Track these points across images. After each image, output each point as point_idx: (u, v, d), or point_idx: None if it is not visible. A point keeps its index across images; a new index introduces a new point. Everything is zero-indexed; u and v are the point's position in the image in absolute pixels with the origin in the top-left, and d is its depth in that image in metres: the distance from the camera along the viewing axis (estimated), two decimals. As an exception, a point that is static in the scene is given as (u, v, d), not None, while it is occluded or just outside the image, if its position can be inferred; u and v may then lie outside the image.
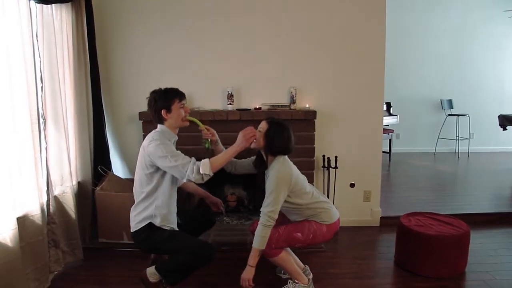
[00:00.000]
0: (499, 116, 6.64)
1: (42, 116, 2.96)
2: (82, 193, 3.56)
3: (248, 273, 2.62)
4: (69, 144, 3.28)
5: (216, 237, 3.73)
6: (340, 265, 3.41)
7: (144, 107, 3.84)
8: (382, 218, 4.27)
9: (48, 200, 3.00)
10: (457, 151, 8.03)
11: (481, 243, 3.70)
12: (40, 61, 2.94)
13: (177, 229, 2.76)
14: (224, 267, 3.29)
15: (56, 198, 3.11)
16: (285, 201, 2.66)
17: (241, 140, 2.60)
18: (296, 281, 2.80)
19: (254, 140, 2.64)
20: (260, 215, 2.62)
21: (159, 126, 2.70)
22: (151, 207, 2.63)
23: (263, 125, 2.72)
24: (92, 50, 3.67)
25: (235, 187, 4.47)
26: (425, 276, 3.10)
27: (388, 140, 7.42)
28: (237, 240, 3.70)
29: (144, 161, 2.61)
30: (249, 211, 4.31)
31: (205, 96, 4.00)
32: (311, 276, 2.90)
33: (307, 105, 3.96)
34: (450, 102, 8.09)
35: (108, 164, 3.91)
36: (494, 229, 4.14)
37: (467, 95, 8.14)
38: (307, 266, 2.99)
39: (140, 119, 3.77)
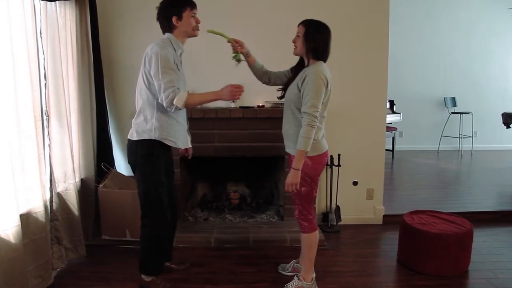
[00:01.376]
0: (502, 114, 6.62)
1: (45, 113, 2.95)
2: (85, 190, 3.56)
3: (295, 177, 2.51)
4: (72, 141, 3.28)
5: (218, 235, 3.73)
6: (342, 263, 3.41)
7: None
8: (385, 216, 4.26)
9: (51, 197, 2.99)
10: (460, 149, 8.00)
11: (484, 242, 3.69)
12: (44, 58, 2.93)
13: (185, 147, 2.78)
14: (227, 264, 3.30)
15: (59, 195, 3.11)
16: (298, 109, 2.57)
17: (225, 91, 2.53)
18: (301, 278, 2.80)
19: (238, 98, 2.62)
20: (303, 116, 2.49)
21: (166, 34, 2.63)
22: (152, 120, 2.58)
23: (299, 29, 2.62)
24: (96, 47, 3.68)
25: (238, 184, 4.47)
26: (428, 274, 3.09)
27: (391, 138, 7.41)
28: (240, 238, 3.70)
29: (143, 67, 2.55)
30: (252, 208, 4.31)
31: (208, 93, 4.00)
32: (314, 275, 2.89)
33: (310, 103, 3.96)
34: (453, 100, 8.07)
35: (111, 161, 3.92)
36: (498, 227, 4.13)
37: (471, 93, 8.12)
38: (312, 264, 2.99)
39: (143, 116, 3.77)
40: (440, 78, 8.11)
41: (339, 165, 4.02)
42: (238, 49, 2.81)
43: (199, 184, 4.51)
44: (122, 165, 4.11)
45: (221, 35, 2.74)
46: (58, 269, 3.07)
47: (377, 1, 3.97)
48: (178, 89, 2.46)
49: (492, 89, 8.15)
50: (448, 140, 8.08)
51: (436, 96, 8.13)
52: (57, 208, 3.04)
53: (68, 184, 3.21)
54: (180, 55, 2.68)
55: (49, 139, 3.01)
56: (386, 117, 4.24)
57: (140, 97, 2.63)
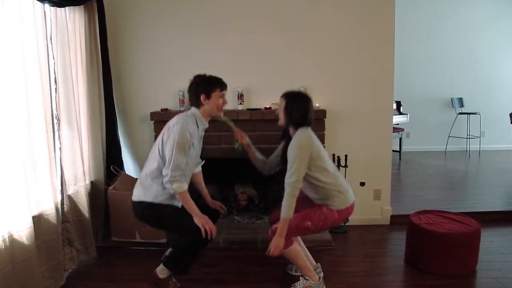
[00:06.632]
0: (510, 114, 6.60)
1: (56, 117, 3.01)
2: (95, 192, 3.60)
3: (279, 243, 2.63)
4: (82, 144, 3.32)
5: (227, 236, 3.76)
6: (350, 263, 3.43)
7: (155, 107, 3.91)
8: (392, 216, 4.27)
9: (62, 199, 3.05)
10: (468, 149, 7.97)
11: (492, 241, 3.69)
12: (54, 63, 2.99)
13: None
14: (235, 265, 3.33)
15: (70, 197, 3.16)
16: (306, 174, 2.68)
17: (200, 219, 2.59)
18: (307, 277, 2.82)
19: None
20: (285, 186, 2.63)
21: (193, 108, 2.74)
22: (158, 187, 2.67)
23: (280, 102, 2.82)
24: (104, 51, 3.72)
25: (245, 186, 4.50)
26: (435, 274, 3.10)
27: (399, 139, 7.40)
28: (248, 239, 3.73)
29: (162, 136, 2.66)
30: (259, 209, 4.33)
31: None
32: (322, 275, 2.91)
33: (317, 104, 3.97)
34: (460, 100, 8.05)
35: (120, 164, 3.96)
36: (506, 227, 4.12)
37: (478, 93, 8.09)
38: (319, 264, 3.01)
39: (151, 119, 3.81)
40: (447, 79, 8.09)
41: (346, 166, 4.03)
42: (238, 138, 3.02)
43: (207, 186, 4.53)
44: (131, 168, 4.15)
45: (227, 122, 3.02)
46: (70, 270, 3.12)
47: (383, 2, 3.98)
48: (183, 175, 2.60)
49: (499, 89, 8.12)
50: (455, 140, 8.05)
51: (443, 96, 8.12)
52: (68, 210, 3.09)
53: (79, 186, 3.25)
54: (203, 131, 2.80)
55: (60, 142, 3.07)
56: (392, 118, 4.25)
57: (152, 161, 2.72)
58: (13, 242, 2.38)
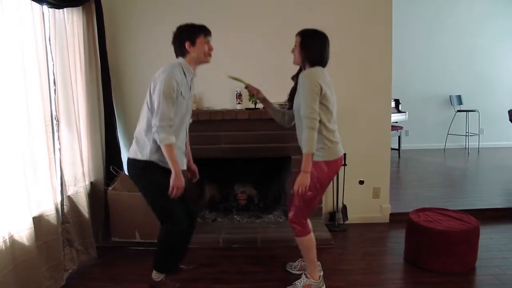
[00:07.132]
0: (509, 111, 6.59)
1: (55, 118, 3.02)
2: (95, 193, 3.61)
3: (304, 179, 2.53)
4: (81, 145, 3.33)
5: (227, 235, 3.77)
6: (350, 261, 3.44)
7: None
8: (391, 214, 4.28)
9: (62, 200, 3.06)
10: (467, 147, 7.98)
11: (491, 238, 3.70)
12: (53, 65, 2.99)
13: (182, 168, 2.67)
14: (235, 264, 3.34)
15: (69, 198, 3.17)
16: None
17: (177, 179, 2.55)
18: (308, 275, 2.82)
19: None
20: (303, 120, 2.54)
21: (179, 58, 2.68)
22: (151, 143, 2.59)
23: (296, 40, 2.71)
24: (103, 53, 3.73)
25: (245, 185, 4.51)
26: (434, 272, 3.11)
27: (397, 137, 7.41)
28: (248, 238, 3.74)
29: (149, 90, 2.59)
30: (259, 209, 4.35)
31: (215, 96, 4.04)
32: (321, 273, 2.92)
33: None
34: (459, 98, 8.05)
35: (119, 164, 3.95)
36: (505, 224, 4.13)
37: (477, 90, 8.09)
38: (319, 262, 3.00)
39: (150, 119, 3.82)
40: (446, 76, 8.09)
41: (345, 165, 4.03)
42: (254, 92, 2.97)
43: (206, 186, 4.55)
44: (130, 168, 4.16)
45: (240, 80, 2.98)
46: (70, 271, 3.13)
47: (381, 2, 3.99)
48: (170, 126, 2.53)
49: (498, 86, 8.12)
50: (454, 138, 8.06)
51: (441, 94, 8.12)
52: (68, 211, 3.10)
53: (78, 187, 3.26)
54: (191, 80, 2.73)
55: (59, 143, 3.08)
56: (391, 116, 4.26)
57: (143, 117, 2.67)
58: (13, 243, 2.39)
